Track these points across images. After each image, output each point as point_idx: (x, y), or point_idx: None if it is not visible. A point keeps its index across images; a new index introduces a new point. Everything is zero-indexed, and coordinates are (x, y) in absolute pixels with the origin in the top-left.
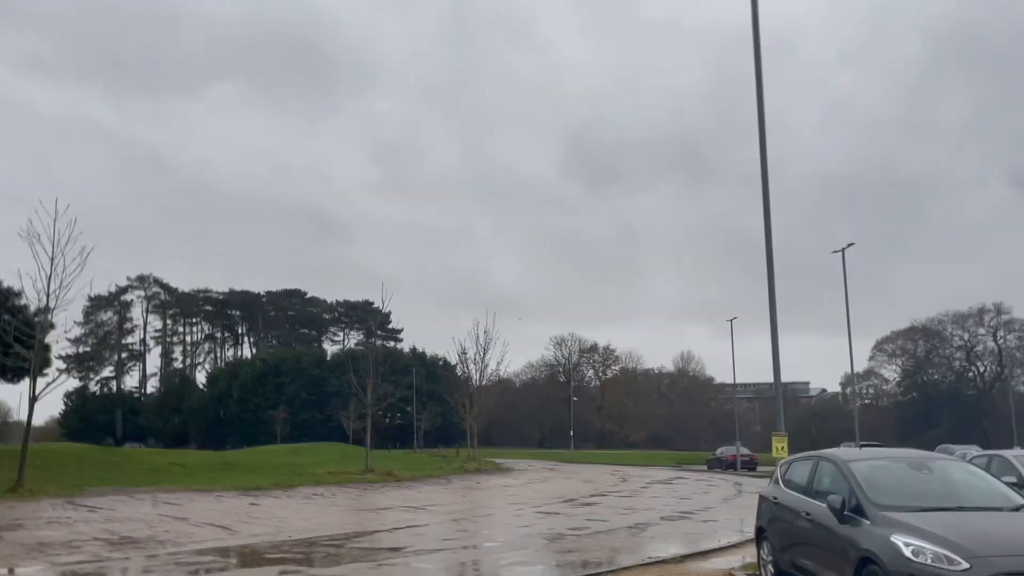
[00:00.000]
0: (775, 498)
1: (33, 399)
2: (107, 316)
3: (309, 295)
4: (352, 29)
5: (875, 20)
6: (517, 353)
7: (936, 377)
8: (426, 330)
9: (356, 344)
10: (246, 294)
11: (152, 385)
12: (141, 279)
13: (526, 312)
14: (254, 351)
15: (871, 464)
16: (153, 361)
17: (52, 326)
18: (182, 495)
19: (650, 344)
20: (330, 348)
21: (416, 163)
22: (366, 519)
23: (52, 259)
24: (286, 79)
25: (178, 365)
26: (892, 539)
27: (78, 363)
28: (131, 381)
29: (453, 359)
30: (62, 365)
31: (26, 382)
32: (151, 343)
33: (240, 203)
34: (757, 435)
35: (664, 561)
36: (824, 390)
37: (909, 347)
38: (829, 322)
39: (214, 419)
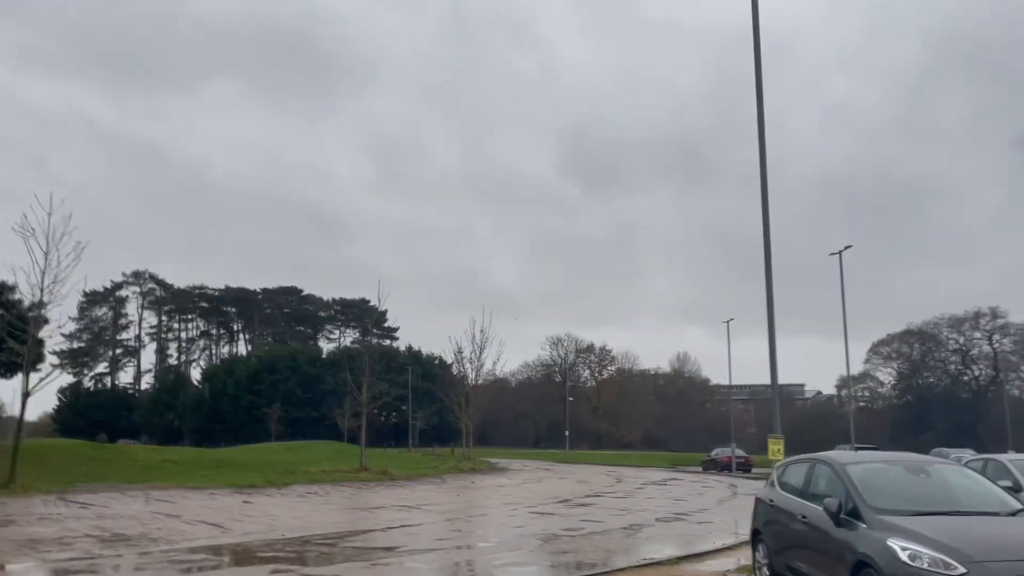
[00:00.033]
0: (771, 500)
1: (26, 394)
2: (102, 312)
3: (305, 292)
4: (352, 26)
5: (874, 23)
6: (513, 353)
7: (931, 380)
8: (422, 329)
9: (352, 342)
10: (242, 291)
11: (146, 381)
12: (136, 275)
13: (523, 312)
14: (249, 348)
15: (868, 467)
16: (148, 357)
17: (46, 321)
18: (175, 492)
19: (646, 345)
20: (326, 346)
21: (415, 161)
22: (360, 518)
23: (46, 254)
24: (285, 76)
25: (173, 362)
26: (889, 543)
27: (72, 359)
28: (125, 377)
29: (449, 358)
30: (56, 360)
31: (19, 377)
32: (146, 339)
33: (237, 200)
34: (752, 437)
35: (659, 563)
36: (819, 392)
37: (905, 350)
38: (825, 324)
39: (208, 416)
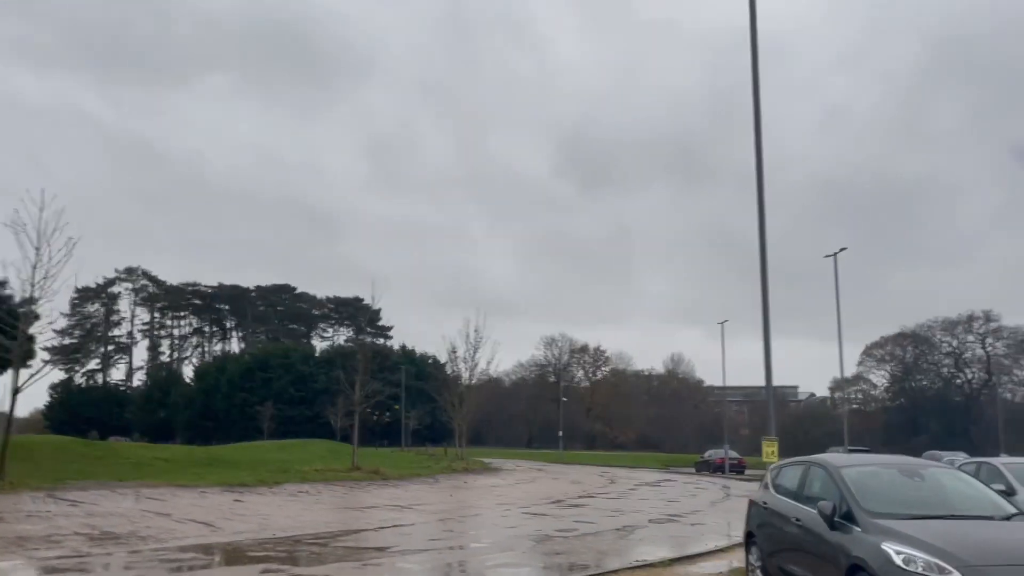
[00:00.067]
0: (765, 503)
1: (16, 390)
2: (94, 308)
3: (299, 290)
4: (348, 22)
5: (872, 24)
6: (507, 352)
7: (924, 383)
8: (416, 328)
9: (345, 341)
10: (235, 288)
11: (138, 378)
12: (129, 271)
13: (518, 311)
14: (242, 346)
15: (862, 470)
16: (140, 354)
17: (37, 317)
18: (165, 490)
19: (640, 345)
20: (319, 344)
21: (410, 160)
22: (352, 518)
23: (37, 249)
24: (280, 72)
25: (165, 359)
26: (883, 547)
27: (64, 355)
28: (117, 374)
29: (443, 357)
30: (47, 356)
31: (9, 373)
32: (138, 336)
33: (231, 196)
34: (745, 438)
35: (652, 565)
36: (813, 394)
37: (898, 353)
38: (818, 326)
39: (200, 414)
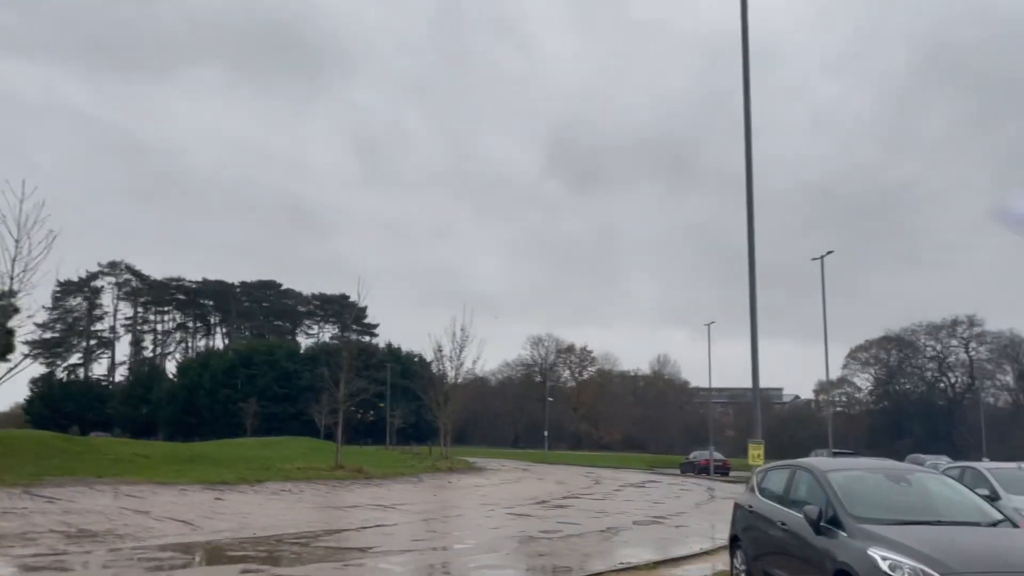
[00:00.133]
0: (750, 506)
1: None
2: (76, 302)
3: (284, 287)
4: (337, 18)
5: (861, 30)
6: (494, 351)
7: (908, 387)
8: (402, 326)
9: (331, 338)
10: (220, 284)
11: (121, 374)
12: (112, 265)
13: (504, 311)
14: (226, 342)
15: (849, 475)
16: (122, 349)
17: (16, 310)
18: (145, 487)
19: (627, 346)
20: (304, 341)
21: (398, 156)
22: (334, 517)
23: (17, 241)
24: (267, 66)
25: (148, 354)
26: (869, 552)
27: (44, 349)
28: (99, 369)
29: (429, 356)
30: (27, 350)
31: None
32: (121, 331)
33: (217, 191)
34: (730, 440)
35: (636, 567)
36: (797, 396)
37: (882, 356)
38: (803, 328)
39: (183, 410)
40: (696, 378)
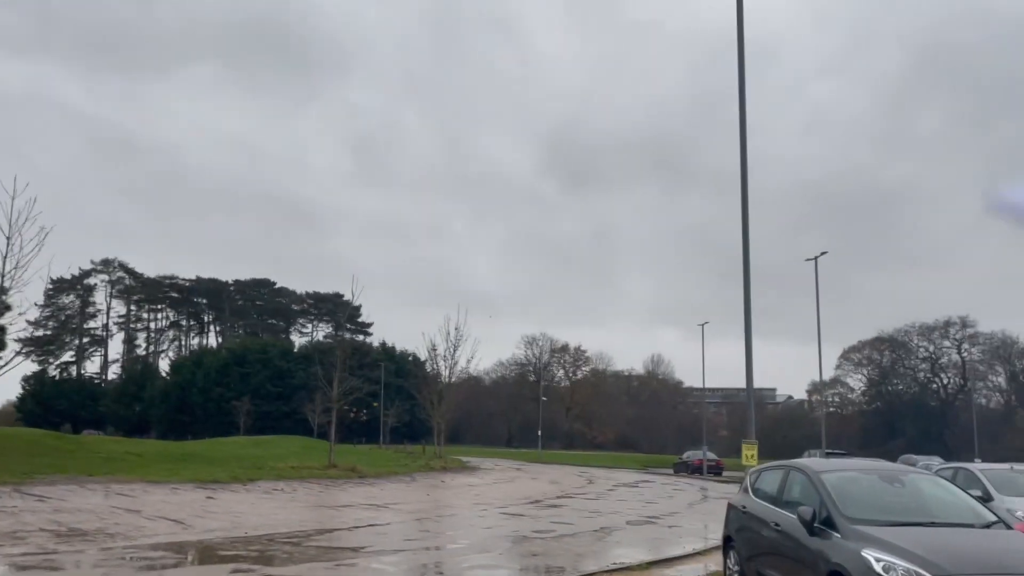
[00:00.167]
0: (744, 507)
1: None
2: (69, 299)
3: (278, 285)
4: (332, 16)
5: (855, 32)
6: (488, 351)
7: (900, 387)
8: (397, 325)
9: (324, 337)
10: (213, 282)
11: (113, 372)
12: (106, 263)
13: (499, 310)
14: (220, 340)
15: (843, 476)
16: (115, 347)
17: (7, 308)
18: (136, 486)
19: (621, 346)
20: (298, 340)
21: (393, 155)
22: (326, 516)
23: (8, 238)
24: (262, 64)
25: (141, 352)
26: (863, 554)
27: (37, 346)
28: (92, 367)
29: (423, 355)
30: (18, 348)
31: None
32: (114, 329)
33: (211, 189)
34: (724, 440)
35: (629, 568)
36: (790, 397)
37: (875, 357)
38: (796, 329)
39: (176, 408)
40: (690, 378)
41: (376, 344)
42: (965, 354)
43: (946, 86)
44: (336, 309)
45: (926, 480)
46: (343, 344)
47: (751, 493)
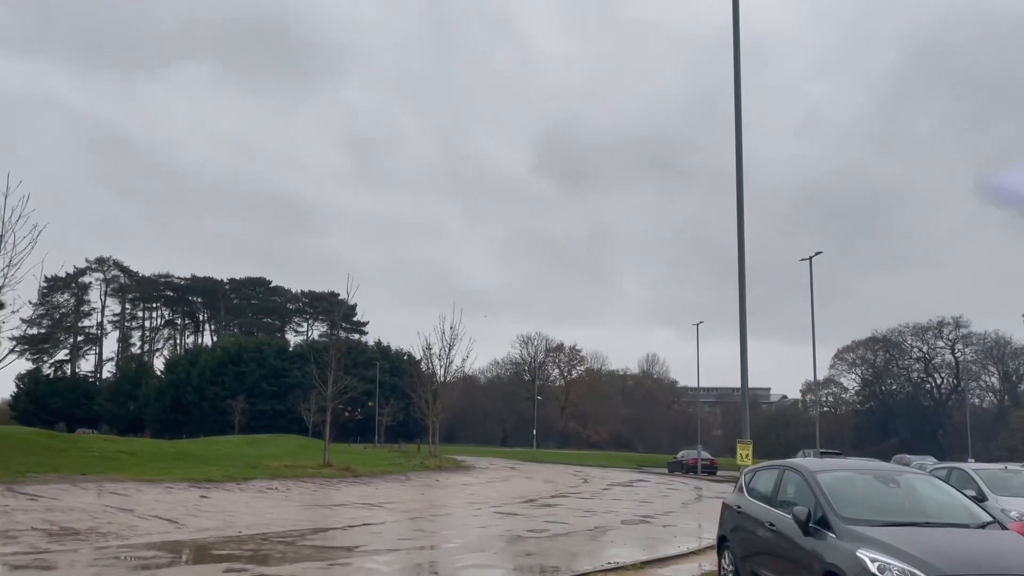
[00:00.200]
0: (738, 507)
1: None
2: (64, 298)
3: (273, 284)
4: (328, 15)
5: (850, 32)
6: (483, 350)
7: (894, 387)
8: (392, 324)
9: (320, 336)
10: (208, 280)
11: (108, 370)
12: (100, 261)
13: (494, 309)
14: (215, 339)
15: (838, 476)
16: (110, 346)
17: (1, 305)
18: (129, 485)
19: (616, 345)
20: (293, 339)
21: (389, 154)
22: (320, 516)
23: (1, 236)
24: (258, 63)
25: (136, 350)
26: (858, 554)
27: (31, 345)
28: (87, 365)
29: (418, 354)
30: (12, 346)
31: None
32: (108, 327)
33: (206, 187)
34: (718, 439)
35: (623, 567)
36: (784, 396)
37: (869, 357)
38: (790, 329)
39: (171, 407)
40: (684, 377)
41: (371, 343)
42: (958, 354)
43: (941, 86)
44: (331, 308)
45: (921, 480)
46: (338, 343)
47: (746, 493)
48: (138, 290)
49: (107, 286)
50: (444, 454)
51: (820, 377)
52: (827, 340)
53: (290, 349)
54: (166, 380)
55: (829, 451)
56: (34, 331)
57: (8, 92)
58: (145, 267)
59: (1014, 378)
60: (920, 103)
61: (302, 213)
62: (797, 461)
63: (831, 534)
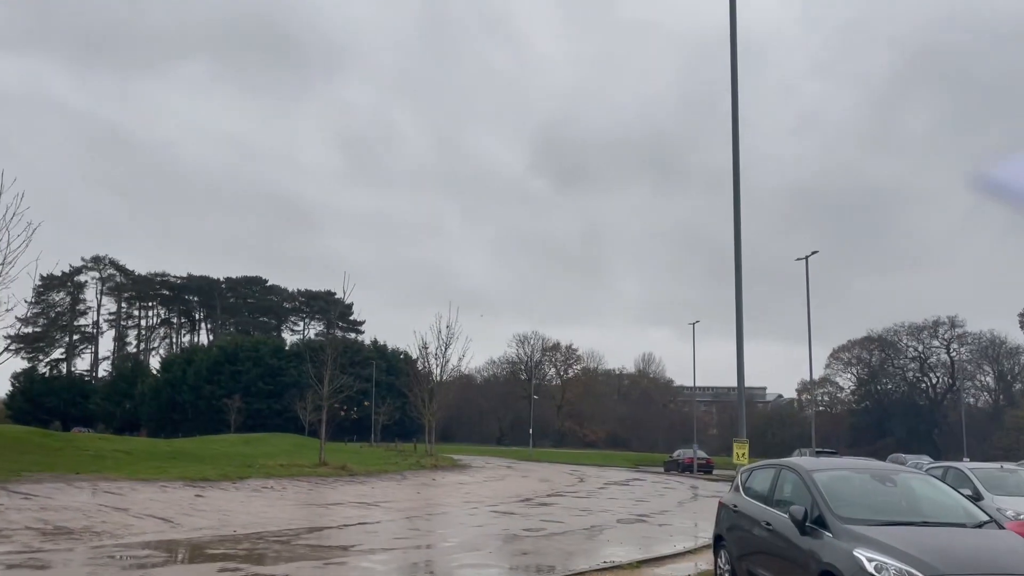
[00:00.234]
0: (735, 506)
1: None
2: (59, 297)
3: (269, 283)
4: (324, 13)
5: (845, 32)
6: (479, 349)
7: (889, 387)
8: (388, 323)
9: (316, 335)
10: (205, 279)
11: (104, 369)
12: (96, 260)
13: (490, 308)
14: (211, 338)
15: (834, 475)
16: (106, 344)
17: None
18: (124, 484)
19: (612, 345)
20: (289, 338)
21: (385, 153)
22: (316, 515)
23: None
24: (255, 61)
25: (132, 349)
26: (855, 553)
27: (26, 343)
28: (82, 364)
29: (414, 353)
30: (7, 345)
31: None
32: (104, 326)
33: (203, 186)
34: (714, 438)
35: (619, 566)
36: (780, 395)
37: (864, 356)
38: (786, 329)
39: (167, 406)
40: (680, 377)
41: (367, 342)
42: (954, 354)
43: (936, 87)
44: (328, 307)
45: (918, 479)
46: (334, 342)
47: (742, 492)
48: (134, 289)
49: (103, 285)
50: (440, 453)
51: (816, 376)
52: (823, 339)
53: (286, 348)
54: (162, 379)
55: (825, 450)
56: (30, 330)
57: (6, 91)
58: (141, 266)
59: (1009, 378)
60: (916, 103)
61: (299, 212)
62: (794, 460)
63: (828, 533)
